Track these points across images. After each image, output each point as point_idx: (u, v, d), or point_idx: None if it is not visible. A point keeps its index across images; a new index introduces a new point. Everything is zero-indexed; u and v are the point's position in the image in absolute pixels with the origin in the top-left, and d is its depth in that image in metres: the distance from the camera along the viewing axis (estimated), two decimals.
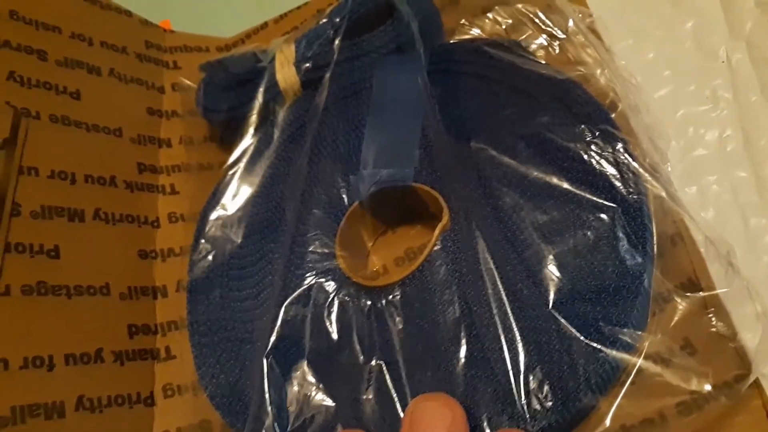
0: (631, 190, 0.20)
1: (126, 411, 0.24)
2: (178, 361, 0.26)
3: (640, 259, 0.19)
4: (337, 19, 0.27)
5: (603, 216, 0.20)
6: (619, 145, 0.20)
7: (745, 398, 0.18)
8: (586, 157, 0.21)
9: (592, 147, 0.21)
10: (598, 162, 0.20)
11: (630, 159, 0.20)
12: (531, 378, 0.19)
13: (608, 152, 0.21)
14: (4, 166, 0.24)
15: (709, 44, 0.26)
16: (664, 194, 0.20)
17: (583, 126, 0.21)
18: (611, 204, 0.20)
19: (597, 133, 0.21)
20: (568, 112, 0.22)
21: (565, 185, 0.21)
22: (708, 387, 0.18)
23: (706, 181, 0.23)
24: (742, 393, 0.18)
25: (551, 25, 0.24)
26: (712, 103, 0.24)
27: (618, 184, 0.20)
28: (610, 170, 0.20)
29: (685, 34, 0.26)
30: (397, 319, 0.21)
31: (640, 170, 0.20)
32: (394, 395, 0.20)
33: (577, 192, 0.20)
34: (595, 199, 0.20)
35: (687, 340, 0.19)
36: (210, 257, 0.26)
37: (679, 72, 0.25)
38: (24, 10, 0.28)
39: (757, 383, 0.18)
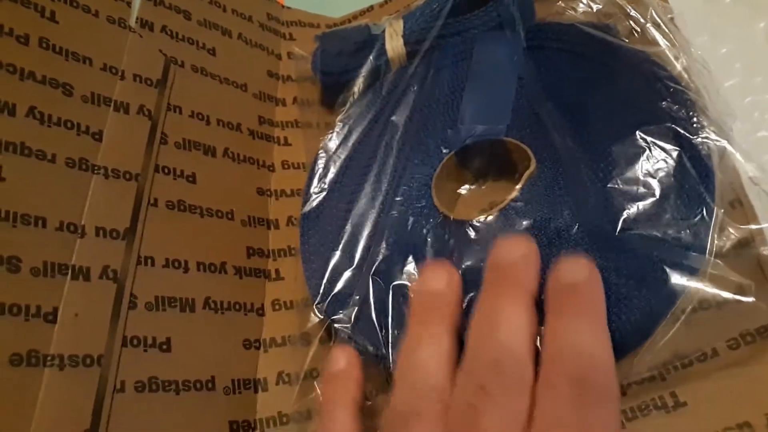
0: (697, 137, 0.23)
1: (241, 316, 0.28)
2: (286, 282, 0.30)
3: (702, 197, 0.22)
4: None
5: (669, 158, 0.23)
6: (689, 101, 0.24)
7: None
8: (658, 110, 0.24)
9: (666, 101, 0.24)
10: (669, 114, 0.24)
11: (698, 113, 0.23)
12: None
13: (678, 105, 0.24)
14: (157, 101, 0.29)
15: None
16: (724, 140, 0.23)
17: (658, 84, 0.24)
18: (678, 148, 0.23)
19: (671, 90, 0.24)
20: (646, 77, 0.25)
21: (639, 133, 0.24)
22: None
23: (767, 158, 0.26)
24: None
25: (637, 14, 0.28)
26: None
27: (685, 132, 0.23)
28: (680, 120, 0.24)
29: (757, 32, 0.29)
30: (475, 238, 0.25)
31: (706, 122, 0.23)
32: None
33: (649, 138, 0.24)
34: (664, 144, 0.23)
35: (740, 276, 0.21)
36: (321, 195, 0.30)
37: (749, 65, 0.28)
38: None
39: None
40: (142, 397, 0.24)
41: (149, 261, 0.26)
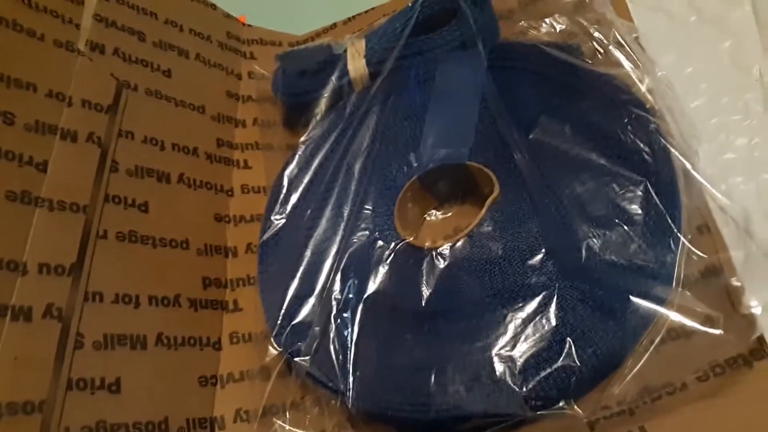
0: (661, 164, 0.22)
1: (197, 352, 0.27)
2: (244, 313, 0.29)
3: (668, 225, 0.21)
4: (405, 19, 0.30)
5: (634, 187, 0.22)
6: (652, 126, 0.23)
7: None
8: (622, 135, 0.23)
9: (629, 127, 0.23)
10: (632, 140, 0.23)
11: (662, 138, 0.23)
12: (564, 332, 0.21)
13: (642, 132, 0.23)
14: (107, 127, 0.28)
15: (744, 62, 0.28)
16: (689, 166, 0.22)
17: (620, 110, 0.24)
18: (641, 177, 0.22)
19: (633, 116, 0.24)
20: (608, 100, 0.25)
21: (602, 160, 0.23)
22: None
23: (734, 182, 0.25)
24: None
25: (600, 34, 0.27)
26: (744, 113, 0.27)
27: (649, 159, 0.23)
28: (644, 147, 0.23)
29: (722, 52, 0.29)
30: (442, 267, 0.24)
31: (671, 148, 0.23)
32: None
33: (612, 166, 0.23)
34: (627, 172, 0.23)
35: (709, 306, 0.21)
36: (281, 221, 0.29)
37: (715, 85, 0.28)
38: None
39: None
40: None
41: (97, 297, 0.25)
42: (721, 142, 0.27)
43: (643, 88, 0.26)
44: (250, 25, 0.38)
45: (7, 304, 0.22)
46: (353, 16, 0.38)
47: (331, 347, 0.24)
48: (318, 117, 0.31)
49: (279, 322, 0.26)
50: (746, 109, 0.27)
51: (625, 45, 0.27)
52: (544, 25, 0.28)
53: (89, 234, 0.25)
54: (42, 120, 0.25)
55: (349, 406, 0.23)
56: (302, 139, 0.31)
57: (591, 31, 0.27)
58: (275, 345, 0.26)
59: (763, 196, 0.25)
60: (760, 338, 0.21)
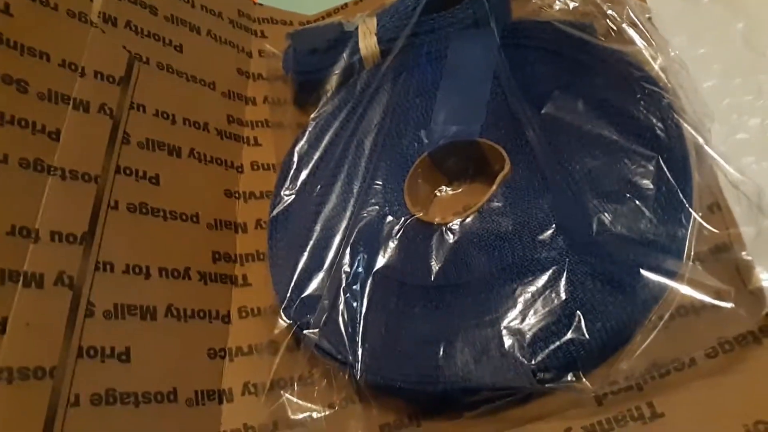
0: (673, 140, 0.22)
1: (206, 324, 0.27)
2: (254, 288, 0.29)
3: (680, 201, 0.21)
4: None
5: (646, 161, 0.22)
6: (665, 102, 0.23)
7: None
8: (634, 111, 0.23)
9: (641, 103, 0.23)
10: (645, 116, 0.23)
11: (675, 114, 0.23)
12: (573, 306, 0.21)
13: (654, 108, 0.23)
14: (119, 99, 0.28)
15: (757, 44, 0.28)
16: (702, 142, 0.22)
17: (633, 86, 0.24)
18: (653, 153, 0.22)
19: (646, 92, 0.24)
20: (621, 76, 0.24)
21: (614, 136, 0.23)
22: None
23: (746, 161, 0.25)
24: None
25: (614, 13, 0.27)
26: (756, 94, 0.27)
27: (662, 134, 0.23)
28: (656, 123, 0.23)
29: (735, 33, 0.29)
30: (451, 242, 0.24)
31: (682, 123, 0.22)
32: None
33: (624, 142, 0.23)
34: (640, 148, 0.23)
35: (718, 281, 0.21)
36: (291, 197, 0.29)
37: (728, 66, 0.28)
38: None
39: None
40: (98, 410, 0.22)
41: (108, 267, 0.25)
42: (733, 123, 0.27)
43: (656, 67, 0.26)
44: (261, 4, 0.38)
45: (19, 270, 0.22)
46: None
47: (340, 320, 0.24)
48: (328, 94, 0.31)
49: (288, 295, 0.26)
50: (759, 89, 0.27)
51: (639, 24, 0.27)
52: (558, 2, 0.28)
53: (101, 204, 0.25)
54: (55, 89, 0.25)
55: (358, 378, 0.23)
56: (312, 115, 0.31)
57: (604, 9, 0.27)
58: (284, 318, 0.26)
59: None
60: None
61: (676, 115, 0.23)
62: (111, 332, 0.24)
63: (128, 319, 0.24)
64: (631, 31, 0.27)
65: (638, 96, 0.24)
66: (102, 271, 0.24)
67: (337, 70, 0.31)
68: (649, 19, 0.28)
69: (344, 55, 0.31)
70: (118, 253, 0.25)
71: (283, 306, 0.26)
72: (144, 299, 0.25)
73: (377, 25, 0.31)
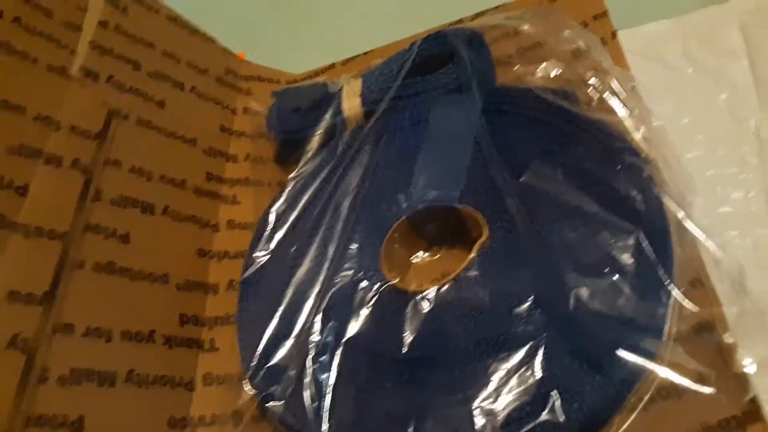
0: (654, 214, 0.22)
1: (168, 391, 0.26)
2: (221, 354, 0.28)
3: (660, 277, 0.21)
4: (402, 60, 0.30)
5: (626, 236, 0.22)
6: (646, 175, 0.23)
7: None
8: (615, 183, 0.23)
9: (622, 174, 0.23)
10: (625, 188, 0.23)
11: (655, 187, 0.22)
12: (549, 385, 0.20)
13: (635, 180, 0.23)
14: (94, 154, 0.27)
15: (740, 115, 0.28)
16: (684, 216, 0.21)
17: (614, 157, 0.23)
18: (633, 226, 0.22)
19: (627, 164, 0.23)
20: (602, 146, 0.24)
21: (594, 208, 0.23)
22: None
23: (729, 236, 0.25)
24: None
25: (596, 81, 0.27)
26: (740, 166, 0.26)
27: (642, 207, 0.22)
28: (636, 195, 0.22)
29: (720, 104, 0.28)
30: (425, 312, 0.23)
31: (664, 196, 0.22)
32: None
33: (604, 214, 0.22)
34: (620, 221, 0.22)
35: (701, 363, 0.20)
36: (264, 258, 0.28)
37: (712, 137, 0.28)
38: (126, 24, 0.31)
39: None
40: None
41: (68, 329, 0.24)
42: (716, 195, 0.26)
43: (638, 137, 0.26)
44: (249, 62, 0.38)
45: None
46: (352, 57, 0.38)
47: (306, 393, 0.23)
48: (310, 154, 0.31)
49: (254, 363, 0.25)
50: (742, 161, 0.27)
51: (622, 93, 0.27)
52: (539, 70, 0.28)
53: (64, 263, 0.25)
54: (27, 143, 0.25)
55: None
56: (292, 175, 0.30)
57: (587, 77, 0.27)
58: (249, 387, 0.25)
59: (759, 251, 0.24)
60: (754, 399, 0.20)
61: (657, 188, 0.23)
62: (65, 399, 0.23)
63: (84, 385, 0.23)
64: (614, 100, 0.26)
65: (618, 167, 0.23)
66: (61, 333, 0.23)
67: (320, 130, 0.31)
68: (633, 87, 0.28)
69: (327, 115, 0.31)
70: (79, 314, 0.24)
71: (249, 374, 0.25)
72: (103, 364, 0.24)
73: (362, 86, 0.31)
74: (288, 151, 0.33)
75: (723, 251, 0.22)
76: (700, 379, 0.20)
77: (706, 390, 0.20)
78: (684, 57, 0.30)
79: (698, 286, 0.22)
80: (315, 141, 0.31)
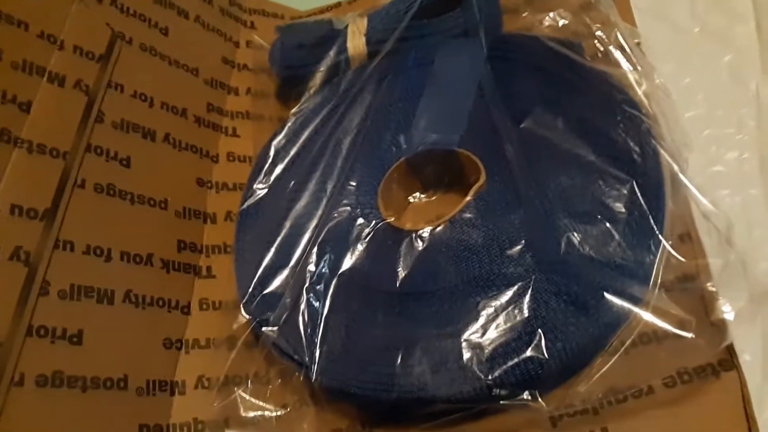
0: (650, 166, 0.22)
1: (164, 313, 0.27)
2: (217, 280, 0.28)
3: (651, 228, 0.21)
4: (410, 2, 0.30)
5: (620, 186, 0.22)
6: (644, 127, 0.23)
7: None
8: (613, 134, 0.23)
9: (621, 126, 0.23)
10: (623, 139, 0.23)
11: (653, 140, 0.23)
12: (535, 324, 0.21)
13: (634, 132, 0.23)
14: (97, 76, 0.27)
15: (742, 77, 0.28)
16: (678, 171, 0.22)
17: (615, 109, 0.24)
18: (628, 177, 0.22)
19: (627, 115, 0.23)
20: (604, 98, 0.24)
21: (591, 157, 0.23)
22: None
23: (720, 194, 0.25)
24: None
25: (603, 35, 0.27)
26: (737, 127, 0.27)
27: (638, 159, 0.22)
28: (634, 147, 0.23)
29: (722, 65, 0.29)
30: (420, 250, 0.24)
31: (660, 150, 0.22)
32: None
33: (601, 163, 0.23)
34: (615, 171, 0.22)
35: (682, 311, 0.21)
36: (263, 191, 0.28)
37: (711, 97, 0.28)
38: None
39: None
40: (44, 392, 0.22)
41: (68, 246, 0.24)
42: (711, 154, 0.26)
43: (639, 92, 0.26)
44: None
45: None
46: None
47: (300, 319, 0.24)
48: (312, 91, 0.31)
49: (250, 290, 0.25)
50: (740, 123, 0.27)
51: (627, 48, 0.27)
52: (547, 19, 0.28)
53: (66, 181, 0.25)
54: (30, 60, 0.25)
55: (313, 380, 0.23)
56: (293, 110, 0.30)
57: (594, 29, 0.27)
58: (244, 313, 0.25)
59: (748, 210, 0.25)
60: (730, 347, 0.21)
61: (654, 141, 0.23)
62: (64, 313, 0.23)
63: (84, 301, 0.24)
64: (618, 54, 0.27)
65: (618, 119, 0.24)
66: (61, 249, 0.24)
67: (323, 67, 0.31)
68: (638, 44, 0.28)
69: (331, 53, 0.31)
70: (79, 232, 0.25)
71: (244, 301, 0.25)
72: (102, 282, 0.25)
73: (367, 25, 0.31)
74: (290, 87, 0.33)
75: (714, 207, 0.23)
76: (681, 325, 0.21)
77: (686, 335, 0.20)
78: (691, 17, 0.30)
79: (687, 240, 0.23)
80: (317, 78, 0.31)
